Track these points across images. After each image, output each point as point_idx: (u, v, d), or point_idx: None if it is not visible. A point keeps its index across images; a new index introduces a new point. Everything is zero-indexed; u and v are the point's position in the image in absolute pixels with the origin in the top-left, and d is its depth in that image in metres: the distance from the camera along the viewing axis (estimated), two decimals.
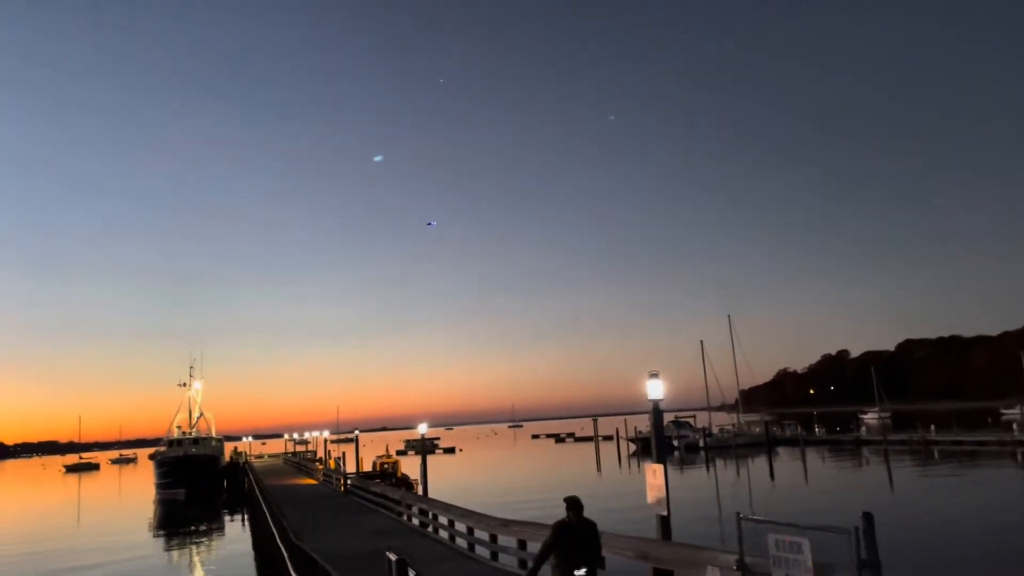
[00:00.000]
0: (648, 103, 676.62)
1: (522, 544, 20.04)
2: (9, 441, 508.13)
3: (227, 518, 65.89)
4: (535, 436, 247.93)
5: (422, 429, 34.53)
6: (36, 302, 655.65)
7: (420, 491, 46.63)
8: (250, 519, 59.96)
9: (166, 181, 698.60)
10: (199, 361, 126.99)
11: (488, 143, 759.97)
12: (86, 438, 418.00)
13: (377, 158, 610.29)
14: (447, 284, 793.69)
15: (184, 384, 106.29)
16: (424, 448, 35.59)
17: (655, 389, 15.21)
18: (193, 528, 58.35)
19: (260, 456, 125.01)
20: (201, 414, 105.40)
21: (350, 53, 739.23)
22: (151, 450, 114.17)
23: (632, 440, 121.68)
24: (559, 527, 11.40)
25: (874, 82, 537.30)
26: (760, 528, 11.03)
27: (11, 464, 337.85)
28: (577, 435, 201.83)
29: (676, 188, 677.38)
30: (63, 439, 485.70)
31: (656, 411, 15.42)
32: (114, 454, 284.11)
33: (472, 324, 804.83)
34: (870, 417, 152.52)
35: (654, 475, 14.71)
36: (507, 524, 21.65)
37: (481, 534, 23.27)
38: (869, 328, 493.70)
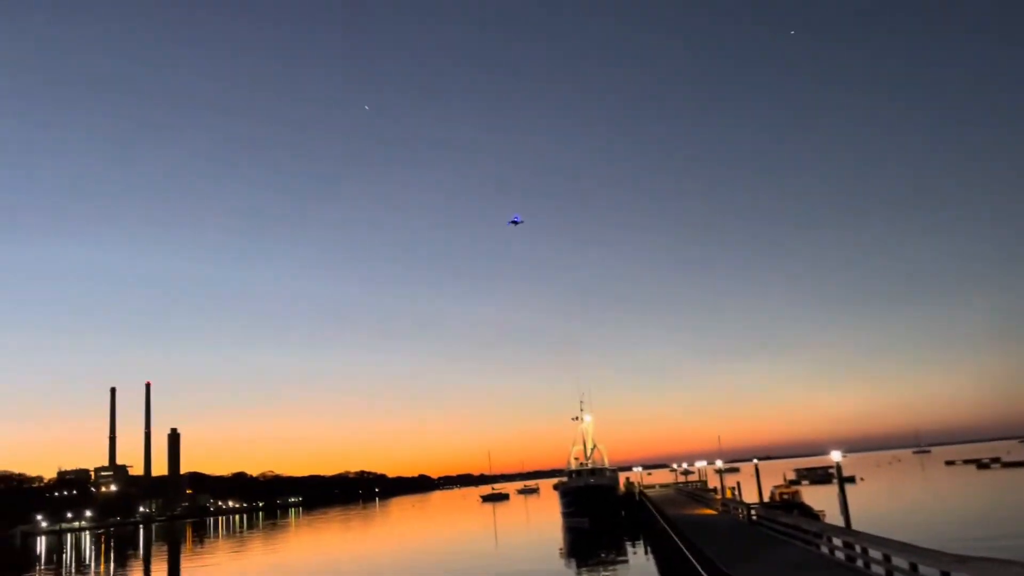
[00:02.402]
0: None
1: None
2: (434, 475, 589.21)
3: (628, 546, 67.85)
4: (949, 462, 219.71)
5: (835, 456, 32.11)
6: (426, 353, 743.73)
7: (822, 522, 43.50)
8: (653, 548, 61.11)
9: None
10: (588, 395, 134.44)
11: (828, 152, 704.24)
12: (495, 470, 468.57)
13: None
14: (828, 297, 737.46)
15: (576, 418, 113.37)
16: (841, 477, 33.02)
17: None
18: (602, 556, 61.05)
19: (651, 486, 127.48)
20: (595, 446, 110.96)
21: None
22: (548, 480, 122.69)
23: None
24: None
25: None
26: None
27: (437, 495, 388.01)
28: (1004, 460, 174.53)
29: None
30: (475, 472, 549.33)
31: None
32: (519, 484, 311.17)
33: (859, 340, 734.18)
34: None
35: None
36: (963, 560, 18.96)
37: (928, 571, 20.69)
38: None
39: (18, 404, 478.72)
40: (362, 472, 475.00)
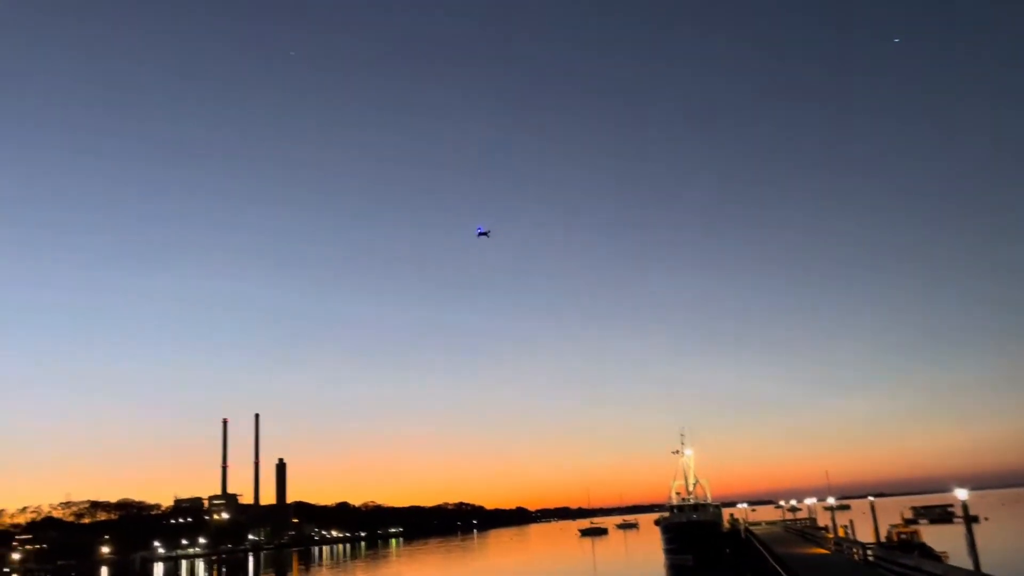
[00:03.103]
0: None
1: None
2: (532, 508, 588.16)
3: None
4: None
5: (961, 494, 30.70)
6: (525, 384, 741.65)
7: (947, 564, 41.40)
8: None
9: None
10: (688, 428, 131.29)
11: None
12: (593, 504, 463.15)
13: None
14: (944, 328, 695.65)
15: (677, 451, 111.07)
16: (967, 516, 31.55)
17: None
18: None
19: (756, 523, 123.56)
20: (697, 480, 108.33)
21: None
22: (648, 515, 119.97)
23: None
24: None
25: None
26: None
27: (535, 528, 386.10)
28: None
29: None
30: (573, 505, 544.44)
31: None
32: (617, 519, 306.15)
33: (979, 371, 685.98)
34: None
35: None
36: None
37: None
38: None
39: (140, 434, 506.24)
40: (460, 504, 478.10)
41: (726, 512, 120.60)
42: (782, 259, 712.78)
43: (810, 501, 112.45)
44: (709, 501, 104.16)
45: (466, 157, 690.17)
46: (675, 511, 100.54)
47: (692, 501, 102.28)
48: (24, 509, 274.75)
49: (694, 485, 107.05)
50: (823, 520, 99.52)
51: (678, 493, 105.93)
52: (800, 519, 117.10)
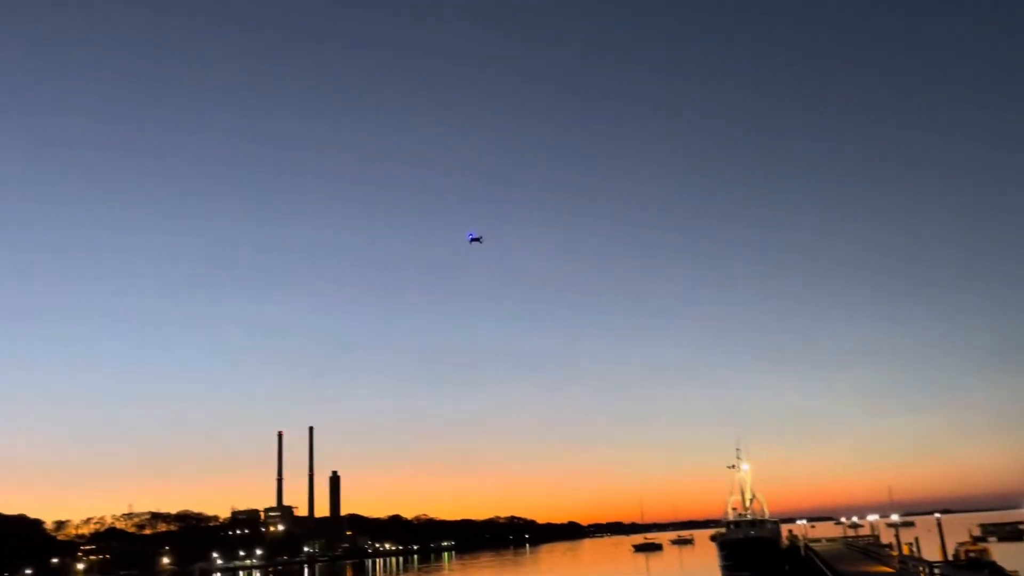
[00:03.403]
0: None
1: None
2: (584, 522, 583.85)
3: None
4: None
5: None
6: (577, 398, 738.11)
7: None
8: None
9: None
10: (745, 442, 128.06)
11: None
12: (646, 519, 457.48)
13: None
14: (1014, 341, 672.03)
15: (732, 466, 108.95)
16: None
17: None
18: None
19: (816, 540, 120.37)
20: (754, 496, 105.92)
21: None
22: (703, 531, 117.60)
23: None
24: None
25: None
26: None
27: (588, 543, 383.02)
28: None
29: None
30: (626, 520, 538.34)
31: None
32: (672, 534, 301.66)
33: None
34: None
35: None
36: None
37: None
38: None
39: (198, 448, 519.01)
40: (512, 517, 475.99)
41: (784, 528, 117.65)
42: (843, 274, 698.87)
43: (872, 517, 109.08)
44: (767, 517, 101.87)
45: (502, 172, 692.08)
46: (732, 527, 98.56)
47: (749, 517, 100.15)
48: (88, 520, 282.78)
49: (751, 500, 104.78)
50: (886, 537, 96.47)
51: (734, 508, 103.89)
52: (862, 536, 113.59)
